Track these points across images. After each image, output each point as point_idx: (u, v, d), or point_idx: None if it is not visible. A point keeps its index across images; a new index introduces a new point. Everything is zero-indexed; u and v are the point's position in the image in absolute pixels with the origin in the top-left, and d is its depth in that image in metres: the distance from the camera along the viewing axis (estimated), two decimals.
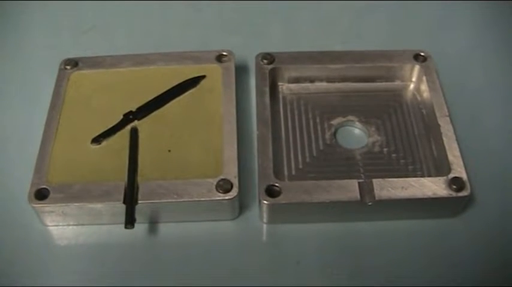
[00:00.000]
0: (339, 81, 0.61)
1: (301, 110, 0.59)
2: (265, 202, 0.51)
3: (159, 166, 0.53)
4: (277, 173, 0.53)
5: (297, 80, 0.61)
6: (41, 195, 0.51)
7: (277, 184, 0.52)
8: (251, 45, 0.63)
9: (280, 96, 0.60)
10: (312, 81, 0.61)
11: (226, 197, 0.51)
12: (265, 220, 0.53)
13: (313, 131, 0.58)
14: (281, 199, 0.51)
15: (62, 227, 0.53)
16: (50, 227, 0.53)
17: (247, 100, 0.61)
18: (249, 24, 0.70)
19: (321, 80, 0.61)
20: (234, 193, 0.51)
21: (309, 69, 0.60)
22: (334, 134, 0.58)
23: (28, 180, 0.52)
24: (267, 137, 0.55)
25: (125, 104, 0.57)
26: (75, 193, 0.51)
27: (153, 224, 0.53)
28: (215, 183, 0.51)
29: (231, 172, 0.52)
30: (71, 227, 0.53)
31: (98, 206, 0.51)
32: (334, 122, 0.59)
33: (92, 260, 0.52)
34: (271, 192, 0.51)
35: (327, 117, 0.59)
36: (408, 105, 0.60)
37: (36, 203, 0.51)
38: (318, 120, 0.59)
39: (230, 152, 0.53)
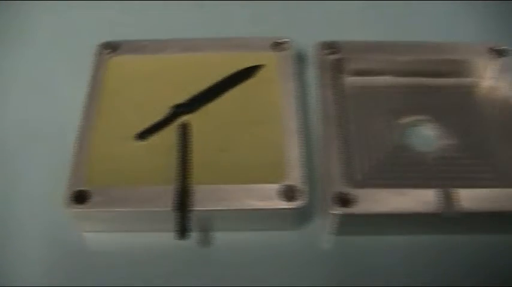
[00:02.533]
0: (406, 76, 0.55)
1: (366, 107, 0.53)
2: (334, 211, 0.45)
3: (212, 167, 0.47)
4: (345, 179, 0.47)
5: (360, 73, 0.55)
6: (79, 198, 0.45)
7: (348, 192, 0.46)
8: (301, 32, 0.57)
9: (343, 90, 0.54)
10: (377, 74, 0.55)
11: (292, 206, 0.45)
12: (332, 231, 0.47)
13: (380, 131, 0.52)
14: (354, 209, 0.45)
15: (102, 234, 0.47)
16: (88, 234, 0.47)
17: (304, 94, 0.54)
18: (298, 10, 0.63)
19: (387, 74, 0.55)
20: (301, 201, 0.45)
21: (375, 61, 0.54)
22: (403, 134, 0.52)
23: (63, 181, 0.46)
24: (332, 136, 0.49)
25: (171, 95, 0.51)
26: (118, 196, 0.45)
27: (204, 232, 0.47)
28: (278, 189, 0.45)
29: (296, 177, 0.46)
30: (112, 234, 0.47)
31: (145, 212, 0.45)
32: (403, 121, 0.52)
33: (135, 272, 0.46)
34: (341, 201, 0.45)
35: (395, 115, 0.53)
36: (486, 105, 0.53)
37: (74, 208, 0.45)
38: (384, 118, 0.52)
39: (294, 153, 0.47)
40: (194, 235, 0.46)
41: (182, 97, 0.51)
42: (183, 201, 0.44)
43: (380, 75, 0.55)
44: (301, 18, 0.62)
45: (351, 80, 0.54)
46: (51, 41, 0.60)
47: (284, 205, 0.45)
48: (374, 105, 0.53)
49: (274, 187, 0.45)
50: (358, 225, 0.47)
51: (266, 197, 0.45)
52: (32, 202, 0.49)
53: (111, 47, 0.54)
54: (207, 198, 0.45)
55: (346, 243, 0.47)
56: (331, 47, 0.54)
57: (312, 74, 0.56)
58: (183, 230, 0.43)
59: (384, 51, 0.54)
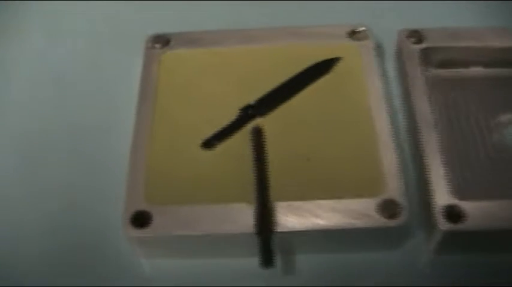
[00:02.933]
0: (499, 67, 0.48)
1: (457, 104, 0.46)
2: (445, 228, 0.38)
3: (296, 180, 0.40)
4: (452, 189, 0.40)
5: (447, 64, 0.48)
6: (138, 220, 0.38)
7: (456, 204, 0.38)
8: (374, 19, 0.49)
9: (434, 85, 0.47)
10: (466, 65, 0.48)
11: (394, 224, 0.38)
12: (435, 250, 0.40)
13: (480, 130, 0.45)
14: (467, 225, 0.38)
15: (165, 260, 0.40)
16: (150, 261, 0.40)
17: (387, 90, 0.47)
18: None
19: (477, 64, 0.48)
20: (403, 217, 0.38)
21: (464, 50, 0.47)
22: (504, 135, 0.45)
23: (118, 200, 0.39)
24: (431, 141, 0.42)
25: (236, 94, 0.44)
26: (184, 217, 0.38)
27: (287, 256, 0.40)
28: (377, 204, 0.38)
29: (395, 188, 0.39)
30: (177, 261, 0.40)
31: (218, 236, 0.38)
32: (503, 118, 0.45)
33: None
34: (450, 215, 0.38)
35: (491, 113, 0.45)
36: None
37: (133, 232, 0.38)
38: (482, 115, 0.45)
39: (390, 160, 0.40)
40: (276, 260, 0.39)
41: (249, 96, 0.44)
42: (267, 221, 0.37)
43: (468, 66, 0.48)
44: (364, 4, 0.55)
45: (438, 73, 0.47)
46: (91, 36, 0.52)
47: (385, 222, 0.38)
48: (465, 101, 0.46)
49: (372, 201, 0.38)
50: (467, 242, 0.40)
51: (362, 214, 0.38)
52: (83, 225, 0.42)
53: (162, 41, 0.46)
54: (291, 217, 0.38)
55: (451, 263, 0.40)
56: (414, 35, 0.47)
57: (389, 66, 0.49)
58: (269, 257, 0.36)
59: (473, 39, 0.47)
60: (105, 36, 0.51)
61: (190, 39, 0.47)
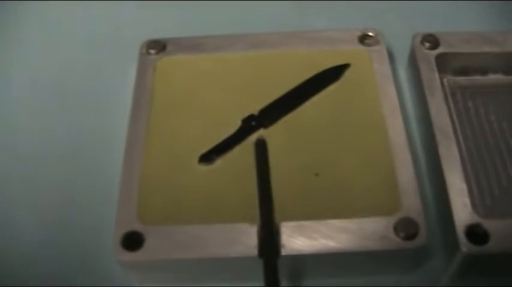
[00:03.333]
0: None
1: (479, 113, 0.43)
2: (468, 249, 0.34)
3: (304, 198, 0.36)
4: (475, 207, 0.36)
5: (465, 72, 0.44)
6: (130, 242, 0.35)
7: (480, 224, 0.35)
8: (385, 23, 0.46)
9: (448, 93, 0.43)
10: (484, 72, 0.45)
11: (411, 246, 0.34)
12: (455, 274, 0.36)
13: (502, 142, 0.41)
14: (491, 247, 0.34)
15: None
16: None
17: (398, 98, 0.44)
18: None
19: (496, 71, 0.45)
20: (421, 238, 0.34)
21: (484, 55, 0.44)
22: None
23: (109, 219, 0.35)
24: (451, 154, 0.38)
25: (239, 103, 0.40)
26: (182, 239, 0.35)
27: (296, 280, 0.36)
28: (393, 224, 0.35)
29: (413, 206, 0.35)
30: None
31: (218, 260, 0.34)
32: None
33: None
34: (473, 235, 0.35)
35: None
36: None
37: (126, 255, 0.34)
38: (504, 125, 0.42)
39: (406, 175, 0.37)
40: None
41: (252, 106, 0.40)
42: (272, 243, 0.34)
43: (486, 73, 0.45)
44: (372, 10, 0.51)
45: (455, 81, 0.44)
46: (89, 40, 0.49)
47: (402, 243, 0.34)
48: (486, 110, 0.43)
49: (387, 220, 0.35)
50: (491, 265, 0.36)
51: (377, 234, 0.34)
52: (71, 246, 0.38)
53: (158, 46, 0.43)
54: (299, 238, 0.34)
55: None
56: (430, 40, 0.43)
57: (402, 73, 0.45)
58: (275, 282, 0.33)
59: (492, 44, 0.44)
60: (103, 40, 0.48)
61: (189, 45, 0.43)
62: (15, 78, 0.47)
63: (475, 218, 0.36)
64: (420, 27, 0.45)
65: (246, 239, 0.34)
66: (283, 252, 0.34)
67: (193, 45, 0.43)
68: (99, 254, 0.36)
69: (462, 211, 0.36)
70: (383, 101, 0.40)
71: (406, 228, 0.35)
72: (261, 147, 0.38)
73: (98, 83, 0.46)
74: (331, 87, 0.41)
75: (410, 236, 0.34)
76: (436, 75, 0.42)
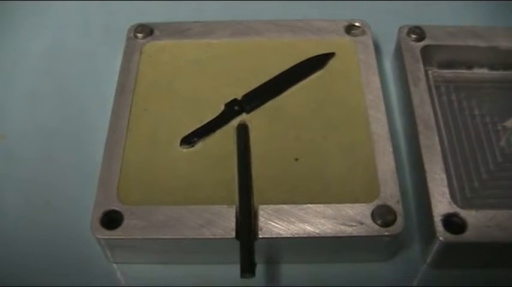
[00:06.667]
0: (504, 69, 0.45)
1: (462, 106, 0.43)
2: (444, 238, 0.35)
3: (283, 182, 0.36)
4: (453, 198, 0.37)
5: (449, 65, 0.45)
6: (110, 221, 0.35)
7: (458, 213, 0.35)
8: (371, 15, 0.46)
9: (432, 85, 0.44)
10: (469, 67, 0.45)
11: (389, 233, 0.34)
12: (432, 263, 0.37)
13: (484, 136, 0.41)
14: (467, 236, 0.35)
15: (138, 266, 0.37)
16: (121, 266, 0.37)
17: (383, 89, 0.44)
18: None
19: (481, 66, 0.45)
20: (399, 225, 0.35)
21: (469, 49, 0.44)
22: (510, 141, 0.42)
23: (90, 198, 0.36)
24: (431, 145, 0.38)
25: (223, 89, 0.41)
26: (159, 219, 0.35)
27: (273, 264, 0.36)
28: (371, 210, 0.35)
29: (391, 194, 0.36)
30: (150, 267, 0.37)
31: (195, 240, 0.34)
32: (509, 123, 0.42)
33: None
34: (450, 225, 0.35)
35: (498, 116, 0.42)
36: None
37: (103, 234, 0.34)
38: (487, 120, 0.42)
39: (386, 163, 0.37)
40: (258, 269, 0.35)
41: (236, 92, 0.40)
42: (250, 226, 0.34)
43: (471, 67, 0.45)
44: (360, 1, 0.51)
45: (440, 74, 0.44)
46: (72, 25, 0.49)
47: (379, 230, 0.34)
48: (469, 104, 0.43)
49: (365, 207, 0.35)
50: (467, 254, 0.37)
51: (355, 220, 0.35)
52: (52, 224, 0.38)
53: (145, 31, 0.43)
54: (277, 222, 0.35)
55: (449, 277, 0.37)
56: (416, 32, 0.43)
57: (387, 65, 0.46)
58: (251, 265, 0.33)
59: (478, 38, 0.44)
60: (93, 25, 0.49)
61: (177, 30, 0.43)
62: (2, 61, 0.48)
63: (453, 208, 0.36)
64: (409, 20, 0.45)
65: (223, 221, 0.34)
66: (261, 235, 0.34)
67: (180, 30, 0.43)
68: (78, 233, 0.37)
69: (440, 201, 0.36)
70: (366, 91, 0.40)
71: (384, 215, 0.35)
72: (243, 131, 0.38)
73: (85, 66, 0.46)
74: (315, 76, 0.41)
75: (387, 223, 0.35)
76: (421, 67, 0.42)
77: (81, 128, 0.42)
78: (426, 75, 0.43)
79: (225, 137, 0.38)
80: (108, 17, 0.49)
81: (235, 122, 0.39)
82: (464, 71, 0.45)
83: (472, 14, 0.50)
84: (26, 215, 0.39)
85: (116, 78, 0.41)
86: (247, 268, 0.33)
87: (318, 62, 0.42)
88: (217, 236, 0.34)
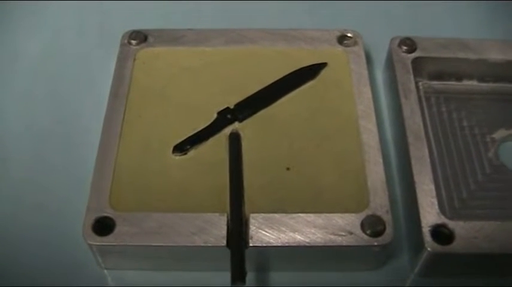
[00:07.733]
0: (494, 81, 0.45)
1: (452, 117, 0.44)
2: (432, 249, 0.35)
3: (274, 191, 0.37)
4: (442, 208, 0.37)
5: (440, 76, 0.45)
6: (102, 228, 0.35)
7: (446, 224, 0.36)
8: (364, 26, 0.47)
9: (422, 96, 0.44)
10: (459, 78, 0.45)
11: (378, 243, 0.35)
12: (420, 272, 0.37)
13: (473, 147, 0.42)
14: (455, 247, 0.35)
15: (129, 272, 0.37)
16: (111, 272, 0.37)
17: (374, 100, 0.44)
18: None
19: (471, 78, 0.45)
20: (388, 235, 0.35)
21: (459, 61, 0.44)
22: (499, 152, 0.42)
23: (82, 202, 0.36)
24: (421, 156, 0.39)
25: (216, 96, 0.41)
26: (151, 226, 0.35)
27: (263, 273, 0.37)
28: (361, 220, 0.35)
29: (381, 205, 0.36)
30: (141, 273, 0.37)
31: (186, 248, 0.35)
32: (497, 135, 0.43)
33: None
34: (438, 235, 0.36)
35: (487, 128, 0.43)
36: None
37: (95, 240, 0.34)
38: (476, 131, 0.43)
39: (376, 174, 0.37)
40: (249, 277, 0.36)
41: (229, 100, 0.41)
42: (241, 234, 0.34)
43: (460, 79, 0.45)
44: (354, 11, 0.52)
45: (430, 85, 0.45)
46: (67, 27, 0.49)
47: (368, 240, 0.35)
48: (459, 116, 0.44)
49: (355, 217, 0.35)
50: (455, 265, 0.37)
51: (344, 230, 0.35)
52: (44, 226, 0.39)
53: (139, 37, 0.43)
54: (267, 231, 0.35)
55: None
56: (407, 44, 0.44)
57: (378, 75, 0.46)
58: (241, 273, 0.33)
59: (468, 50, 0.45)
60: (88, 30, 0.49)
61: (170, 37, 0.44)
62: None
63: (441, 219, 0.36)
64: (401, 31, 0.45)
65: (214, 229, 0.35)
66: (251, 243, 0.34)
67: (174, 37, 0.44)
68: (70, 237, 0.37)
69: (429, 211, 0.37)
70: (357, 101, 0.40)
71: (373, 225, 0.35)
72: (235, 140, 0.39)
73: (79, 69, 0.46)
74: (308, 85, 0.42)
75: (376, 233, 0.35)
76: (412, 78, 0.43)
77: (74, 130, 0.43)
78: (417, 86, 0.44)
79: (217, 145, 0.39)
80: (104, 19, 0.50)
81: (227, 131, 0.39)
82: (454, 82, 0.46)
83: (464, 24, 0.51)
84: (17, 217, 0.39)
85: (110, 81, 0.41)
86: (238, 276, 0.33)
87: (310, 72, 0.42)
88: (209, 244, 0.34)
